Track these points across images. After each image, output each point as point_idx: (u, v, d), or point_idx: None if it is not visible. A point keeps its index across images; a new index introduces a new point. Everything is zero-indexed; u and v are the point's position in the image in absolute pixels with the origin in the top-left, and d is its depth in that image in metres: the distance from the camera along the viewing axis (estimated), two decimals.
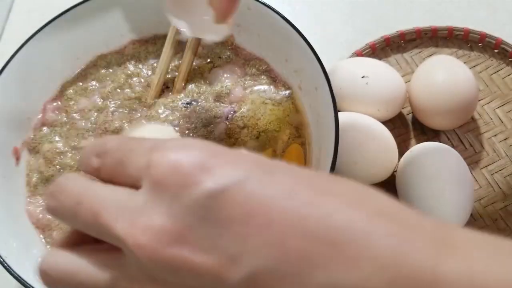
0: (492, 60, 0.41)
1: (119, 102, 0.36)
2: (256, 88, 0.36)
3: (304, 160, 0.34)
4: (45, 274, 0.19)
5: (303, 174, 0.18)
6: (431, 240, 0.16)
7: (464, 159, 0.35)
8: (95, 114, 0.36)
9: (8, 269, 0.28)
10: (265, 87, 0.36)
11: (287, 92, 0.36)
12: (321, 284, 0.15)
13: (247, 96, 0.36)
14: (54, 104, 0.36)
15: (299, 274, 0.16)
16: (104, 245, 0.18)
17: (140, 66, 0.37)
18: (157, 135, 0.29)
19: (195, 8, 0.30)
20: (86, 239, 0.19)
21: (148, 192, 0.17)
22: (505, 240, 0.17)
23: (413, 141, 0.39)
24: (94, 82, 0.37)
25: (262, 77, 0.37)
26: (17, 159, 0.34)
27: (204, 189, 0.16)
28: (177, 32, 0.35)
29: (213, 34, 0.30)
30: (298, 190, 0.17)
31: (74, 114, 0.36)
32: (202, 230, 0.16)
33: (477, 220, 0.36)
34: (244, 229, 0.16)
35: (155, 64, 0.37)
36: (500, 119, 0.39)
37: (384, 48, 0.42)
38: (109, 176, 0.19)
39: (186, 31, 0.31)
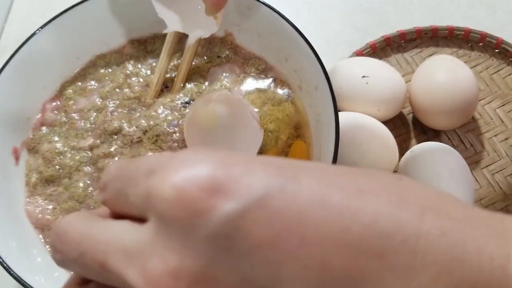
0: (492, 60, 0.41)
1: (118, 102, 0.36)
2: (255, 87, 0.36)
3: (307, 159, 0.34)
4: None
5: (331, 173, 0.15)
6: (492, 234, 0.14)
7: (465, 159, 0.35)
8: (94, 114, 0.36)
9: (8, 269, 0.28)
10: (265, 86, 0.36)
11: (287, 92, 0.36)
12: None
13: (246, 95, 0.36)
14: (54, 104, 0.36)
15: None
16: None
17: (139, 65, 0.37)
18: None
19: None
20: None
21: (155, 226, 0.14)
22: None
23: (413, 141, 0.39)
24: (93, 82, 0.37)
25: (262, 76, 0.37)
26: (17, 159, 0.34)
27: (220, 215, 0.13)
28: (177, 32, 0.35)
29: (201, 29, 0.30)
30: (331, 195, 0.14)
31: (73, 114, 0.36)
32: (226, 264, 0.14)
33: None
34: (276, 254, 0.13)
35: (154, 64, 0.37)
36: (500, 119, 0.39)
37: (384, 48, 0.42)
38: (115, 209, 0.17)
39: (172, 24, 0.30)
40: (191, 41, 0.32)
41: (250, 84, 0.36)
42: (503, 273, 0.14)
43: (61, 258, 0.17)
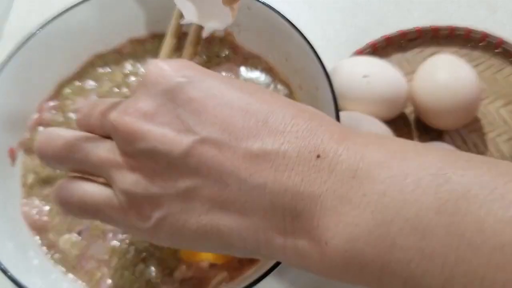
0: (494, 60, 0.41)
1: None
2: None
3: None
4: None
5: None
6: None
7: None
8: None
9: (4, 271, 0.28)
10: (265, 86, 0.36)
11: (287, 92, 0.36)
12: (249, 148, 0.20)
13: None
14: (51, 103, 0.36)
15: (234, 141, 0.20)
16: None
17: (138, 65, 0.37)
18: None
19: None
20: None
21: (135, 91, 0.22)
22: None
23: (415, 141, 0.39)
24: (91, 82, 0.37)
25: (262, 76, 0.36)
26: (13, 159, 0.34)
27: (172, 81, 0.21)
28: (177, 29, 0.35)
29: (216, 21, 0.30)
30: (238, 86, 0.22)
31: (71, 114, 0.36)
32: (169, 106, 0.21)
33: None
34: (199, 106, 0.21)
35: None
36: (504, 119, 0.39)
37: (385, 48, 0.42)
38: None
39: (189, 14, 0.30)
40: (206, 33, 0.32)
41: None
42: (334, 145, 0.20)
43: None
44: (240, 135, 0.20)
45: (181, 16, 0.32)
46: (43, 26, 0.35)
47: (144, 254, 0.31)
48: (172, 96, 0.21)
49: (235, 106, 0.21)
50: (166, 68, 0.22)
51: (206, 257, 0.30)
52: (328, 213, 0.19)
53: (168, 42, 0.35)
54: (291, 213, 0.19)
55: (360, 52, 0.41)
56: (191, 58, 0.36)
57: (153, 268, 0.31)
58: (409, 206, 0.17)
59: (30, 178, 0.34)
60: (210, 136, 0.20)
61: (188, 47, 0.35)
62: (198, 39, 0.35)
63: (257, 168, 0.20)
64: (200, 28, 0.31)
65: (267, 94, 0.22)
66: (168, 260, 0.31)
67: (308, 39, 0.33)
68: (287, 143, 0.20)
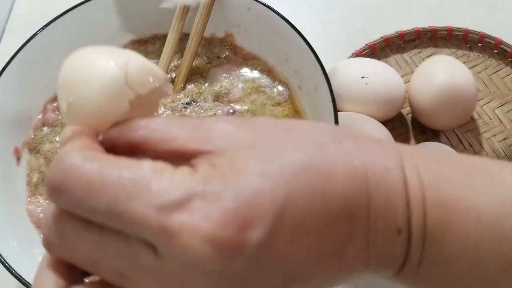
0: (491, 61, 0.41)
1: None
2: (255, 88, 0.36)
3: None
4: None
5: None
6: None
7: None
8: None
9: (9, 268, 0.28)
10: (264, 87, 0.36)
11: (287, 92, 0.36)
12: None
13: (246, 96, 0.36)
14: (55, 104, 0.36)
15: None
16: None
17: None
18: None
19: None
20: None
21: (178, 266, 0.15)
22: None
23: (412, 141, 0.39)
24: None
25: (261, 77, 0.37)
26: (18, 159, 0.35)
27: (251, 245, 0.15)
28: (178, 29, 0.35)
29: None
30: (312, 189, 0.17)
31: None
32: (262, 276, 0.16)
33: None
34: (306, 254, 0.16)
35: (155, 65, 0.37)
36: (499, 119, 0.40)
37: (384, 49, 0.42)
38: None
39: None
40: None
41: (250, 84, 0.36)
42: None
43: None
44: None
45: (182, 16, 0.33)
46: (44, 27, 0.35)
47: None
48: (254, 268, 0.16)
49: None
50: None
51: None
52: None
53: (166, 53, 0.35)
54: None
55: (359, 53, 0.41)
56: (191, 60, 0.36)
57: None
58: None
59: (35, 177, 0.34)
60: None
61: (188, 52, 0.36)
62: (198, 42, 0.36)
63: None
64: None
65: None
66: None
67: (308, 39, 0.33)
68: None
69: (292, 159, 0.16)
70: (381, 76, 0.37)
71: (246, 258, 0.15)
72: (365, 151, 0.17)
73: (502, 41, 0.41)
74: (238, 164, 0.16)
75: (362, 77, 0.37)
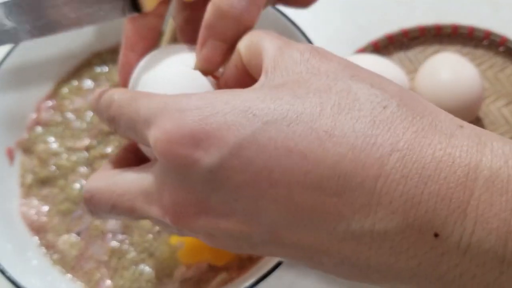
0: (497, 59, 0.41)
1: None
2: None
3: None
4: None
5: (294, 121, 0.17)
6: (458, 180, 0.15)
7: None
8: (91, 114, 0.35)
9: (3, 271, 0.28)
10: None
11: None
12: (336, 231, 0.16)
13: None
14: (49, 103, 0.36)
15: (312, 225, 0.16)
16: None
17: None
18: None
19: None
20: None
21: (161, 168, 0.19)
22: None
23: None
24: (89, 81, 0.37)
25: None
26: (11, 159, 0.34)
27: (204, 167, 0.17)
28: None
29: None
30: (294, 144, 0.16)
31: (70, 114, 0.35)
32: (217, 198, 0.17)
33: None
34: (251, 192, 0.17)
35: None
36: (505, 118, 0.39)
37: (387, 46, 0.42)
38: (126, 138, 0.23)
39: None
40: None
41: None
42: (459, 216, 0.15)
43: (97, 214, 0.22)
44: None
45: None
46: None
47: (143, 254, 0.31)
48: (212, 186, 0.18)
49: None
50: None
51: (205, 259, 0.30)
52: None
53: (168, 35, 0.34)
54: None
55: (362, 51, 0.41)
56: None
57: (152, 269, 0.31)
58: None
59: (29, 178, 0.34)
60: None
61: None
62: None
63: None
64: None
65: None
66: (167, 260, 0.31)
67: (309, 37, 0.33)
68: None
69: (291, 113, 0.17)
70: (385, 73, 0.36)
71: (200, 175, 0.17)
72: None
73: (507, 38, 0.40)
74: (243, 96, 0.18)
75: None
